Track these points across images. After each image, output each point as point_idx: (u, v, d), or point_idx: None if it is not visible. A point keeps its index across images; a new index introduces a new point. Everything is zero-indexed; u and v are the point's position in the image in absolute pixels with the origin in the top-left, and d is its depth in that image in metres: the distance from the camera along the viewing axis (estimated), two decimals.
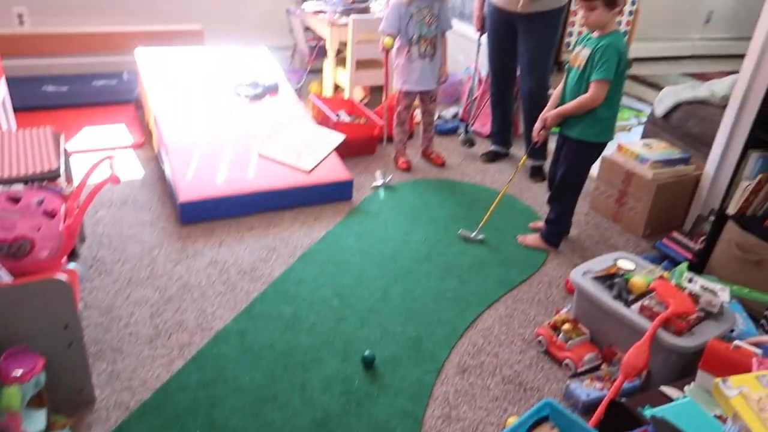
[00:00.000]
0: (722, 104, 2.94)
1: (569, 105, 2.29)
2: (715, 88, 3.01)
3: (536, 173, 3.27)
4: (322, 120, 3.40)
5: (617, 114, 2.35)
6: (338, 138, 3.08)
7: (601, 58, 2.16)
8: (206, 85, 3.40)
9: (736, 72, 2.64)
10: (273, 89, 3.43)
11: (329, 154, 2.99)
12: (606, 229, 2.88)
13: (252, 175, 2.76)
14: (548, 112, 2.41)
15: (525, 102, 3.16)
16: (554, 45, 3.04)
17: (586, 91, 2.24)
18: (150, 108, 3.14)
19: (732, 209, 2.28)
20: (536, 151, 3.14)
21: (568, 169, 2.43)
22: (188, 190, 2.58)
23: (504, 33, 3.09)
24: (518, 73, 3.17)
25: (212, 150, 2.87)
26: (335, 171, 2.91)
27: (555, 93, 2.46)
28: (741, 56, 2.57)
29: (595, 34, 2.23)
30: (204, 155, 2.82)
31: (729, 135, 2.60)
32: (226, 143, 2.94)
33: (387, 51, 2.97)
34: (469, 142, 3.61)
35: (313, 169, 2.86)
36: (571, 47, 2.41)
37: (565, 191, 2.49)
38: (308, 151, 2.96)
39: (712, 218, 2.55)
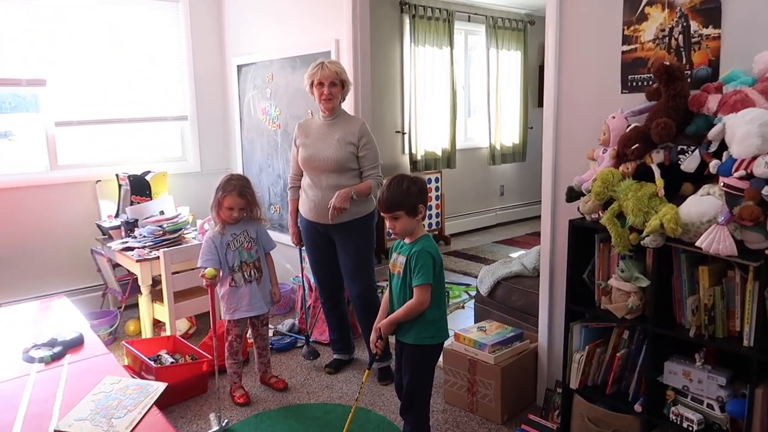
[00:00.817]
0: (535, 275, 3.15)
1: (399, 312, 2.26)
2: (525, 261, 3.24)
3: (385, 376, 3.12)
4: (140, 368, 3.00)
5: (446, 312, 2.35)
6: (158, 388, 2.67)
7: (417, 264, 2.19)
8: None
9: (535, 233, 2.87)
10: (75, 344, 2.97)
11: (149, 410, 2.55)
12: (465, 423, 2.73)
13: None
14: (380, 321, 2.34)
15: (357, 307, 3.11)
16: (372, 248, 3.10)
17: (410, 295, 2.23)
18: None
19: (573, 383, 2.28)
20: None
21: (413, 377, 2.31)
22: None
23: (321, 244, 3.11)
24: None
25: None
26: (157, 430, 2.46)
27: (384, 299, 2.42)
28: (534, 218, 2.81)
29: (407, 240, 2.29)
30: None
31: (549, 308, 2.72)
32: (12, 427, 2.39)
33: (210, 284, 2.77)
34: (313, 355, 3.40)
35: None
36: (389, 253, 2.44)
37: (415, 401, 2.34)
38: (121, 413, 2.50)
39: (559, 390, 2.54)
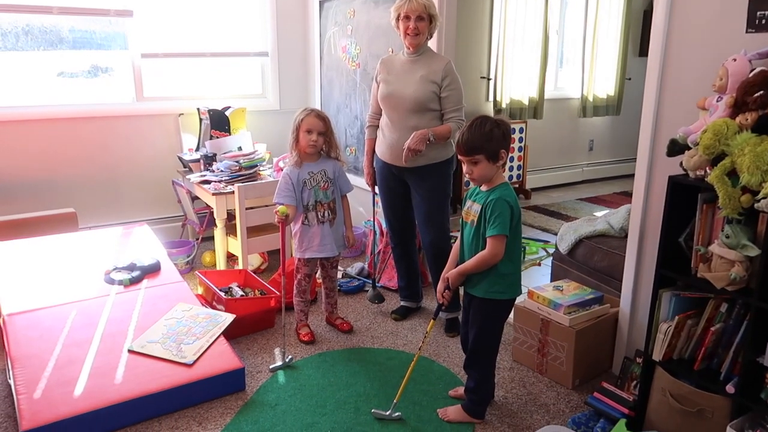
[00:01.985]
0: (622, 235, 2.91)
1: (469, 263, 2.13)
2: (611, 220, 2.99)
3: (452, 327, 3.03)
4: (212, 298, 3.07)
5: (520, 267, 2.21)
6: (227, 319, 2.73)
7: (493, 213, 2.04)
8: (73, 275, 3.02)
9: (624, 192, 2.62)
10: (153, 270, 3.09)
11: (216, 339, 2.61)
12: (533, 384, 2.61)
13: (120, 379, 2.32)
14: (449, 271, 2.23)
15: (429, 255, 3.01)
16: (447, 195, 2.96)
17: (483, 246, 2.10)
18: (1, 309, 2.70)
19: (657, 354, 2.08)
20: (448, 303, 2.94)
21: (479, 332, 2.21)
22: (34, 413, 2.10)
23: (395, 187, 3.01)
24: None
25: (71, 354, 2.43)
26: (223, 359, 2.52)
27: (454, 248, 2.31)
28: (624, 177, 2.57)
29: (483, 188, 2.14)
30: (61, 363, 2.37)
31: (635, 273, 2.50)
32: (91, 342, 2.52)
33: (282, 221, 2.74)
34: (378, 299, 3.37)
35: (197, 361, 2.47)
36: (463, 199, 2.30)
37: (479, 356, 2.24)
38: (190, 340, 2.57)
39: (639, 360, 2.35)
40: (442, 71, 2.78)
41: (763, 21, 2.00)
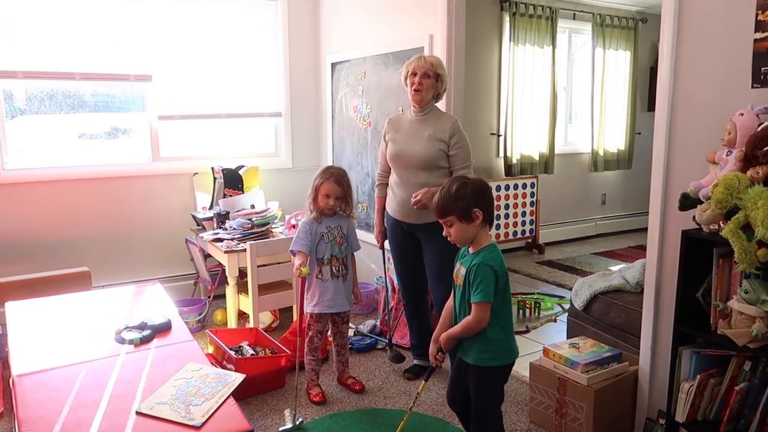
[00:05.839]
0: (638, 290, 2.86)
1: (456, 329, 2.07)
2: (627, 275, 2.95)
3: None
4: (222, 357, 3.03)
5: (512, 331, 2.12)
6: (236, 379, 2.67)
7: (476, 279, 1.98)
8: (84, 335, 3.00)
9: (639, 246, 2.59)
10: (163, 329, 3.07)
11: (226, 400, 2.56)
12: None
13: None
14: (441, 334, 2.15)
15: (439, 312, 2.96)
16: (458, 250, 2.94)
17: (470, 311, 2.03)
18: (11, 370, 2.68)
19: (680, 416, 2.01)
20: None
21: (477, 399, 2.12)
22: None
23: (406, 244, 3.01)
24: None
25: (78, 417, 2.38)
26: (232, 421, 2.44)
27: (446, 309, 2.23)
28: (639, 230, 2.54)
29: (471, 250, 2.09)
30: (67, 426, 2.32)
31: (653, 329, 2.44)
32: (99, 404, 2.47)
33: (303, 279, 2.76)
34: (397, 359, 3.30)
35: (205, 423, 2.40)
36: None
37: (483, 424, 2.13)
38: (199, 401, 2.52)
39: (661, 421, 2.26)
40: (450, 129, 2.82)
41: None
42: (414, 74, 2.84)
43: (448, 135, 2.81)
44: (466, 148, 2.85)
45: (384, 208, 3.10)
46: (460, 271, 2.10)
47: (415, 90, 2.84)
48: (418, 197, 2.75)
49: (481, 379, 2.10)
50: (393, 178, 3.00)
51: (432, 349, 2.18)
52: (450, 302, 2.21)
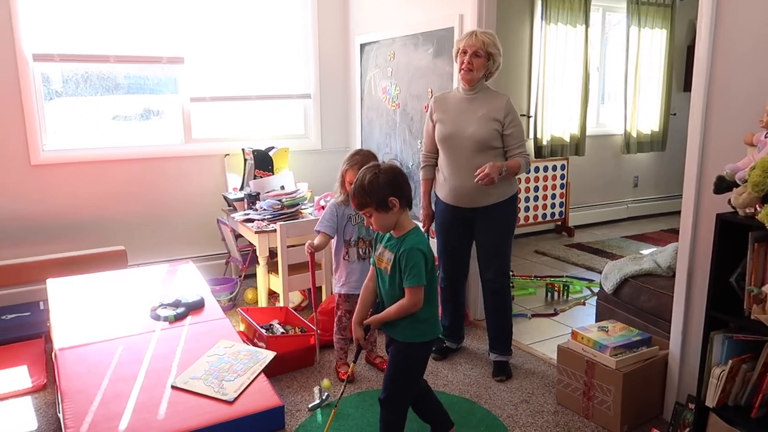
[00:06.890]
0: (670, 275, 2.82)
1: (390, 311, 2.09)
2: (658, 259, 2.91)
3: (500, 370, 2.95)
4: (253, 335, 3.10)
5: (437, 309, 2.19)
6: (267, 356, 2.74)
7: (408, 264, 2.00)
8: (121, 311, 3.11)
9: (672, 229, 2.55)
10: (197, 307, 3.15)
11: (257, 377, 2.63)
12: (578, 429, 2.51)
13: (162, 415, 2.35)
14: (368, 317, 2.18)
15: (487, 290, 2.96)
16: (513, 231, 2.94)
17: (400, 293, 2.06)
18: (53, 344, 2.79)
19: (711, 401, 1.99)
20: (499, 343, 2.98)
21: (395, 371, 2.16)
22: None
23: (458, 229, 2.95)
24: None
25: (117, 390, 2.48)
26: (263, 397, 2.52)
27: (364, 290, 2.25)
28: (671, 213, 2.50)
29: (394, 234, 2.10)
30: (107, 398, 2.42)
31: (684, 314, 2.41)
32: (136, 378, 2.57)
33: (312, 252, 2.81)
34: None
35: (237, 398, 2.48)
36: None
37: (395, 395, 2.15)
38: (232, 377, 2.60)
39: (691, 406, 2.25)
40: (504, 108, 2.74)
41: None
42: (464, 52, 2.72)
43: (503, 114, 2.72)
44: (520, 127, 2.77)
45: (431, 190, 3.02)
46: (384, 255, 2.12)
47: (465, 69, 2.73)
48: (486, 170, 2.62)
49: (407, 354, 2.14)
50: (442, 161, 2.89)
51: (358, 332, 2.20)
52: (369, 283, 2.23)
